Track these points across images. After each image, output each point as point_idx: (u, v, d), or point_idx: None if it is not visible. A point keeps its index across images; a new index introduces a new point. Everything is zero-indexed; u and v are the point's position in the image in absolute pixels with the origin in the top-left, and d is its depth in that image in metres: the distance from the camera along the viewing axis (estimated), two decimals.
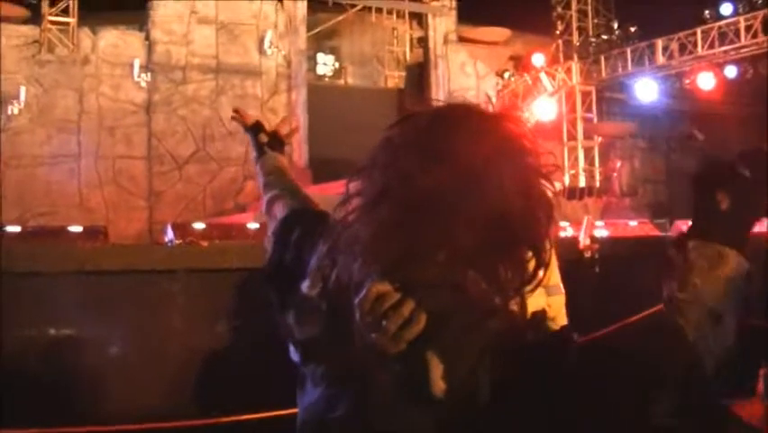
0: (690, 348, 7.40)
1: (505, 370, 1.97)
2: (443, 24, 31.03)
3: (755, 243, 12.00)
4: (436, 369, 1.93)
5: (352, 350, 1.98)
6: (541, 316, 6.34)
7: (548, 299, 6.58)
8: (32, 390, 6.93)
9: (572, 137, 32.86)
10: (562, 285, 6.73)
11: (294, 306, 2.22)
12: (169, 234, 16.08)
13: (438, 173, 1.95)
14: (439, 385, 1.93)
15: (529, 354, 2.08)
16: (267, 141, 3.38)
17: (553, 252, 5.91)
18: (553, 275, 6.72)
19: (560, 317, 6.61)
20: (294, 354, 2.26)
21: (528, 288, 2.02)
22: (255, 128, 3.46)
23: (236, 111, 3.51)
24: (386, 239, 1.96)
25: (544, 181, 2.02)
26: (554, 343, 2.31)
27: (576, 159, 32.82)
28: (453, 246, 1.94)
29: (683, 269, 7.73)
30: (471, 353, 1.98)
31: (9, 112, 23.64)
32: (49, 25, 24.79)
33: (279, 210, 2.77)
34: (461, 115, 2.09)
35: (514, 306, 2.05)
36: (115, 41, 25.62)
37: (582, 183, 32.50)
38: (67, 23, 25.06)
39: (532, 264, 2.05)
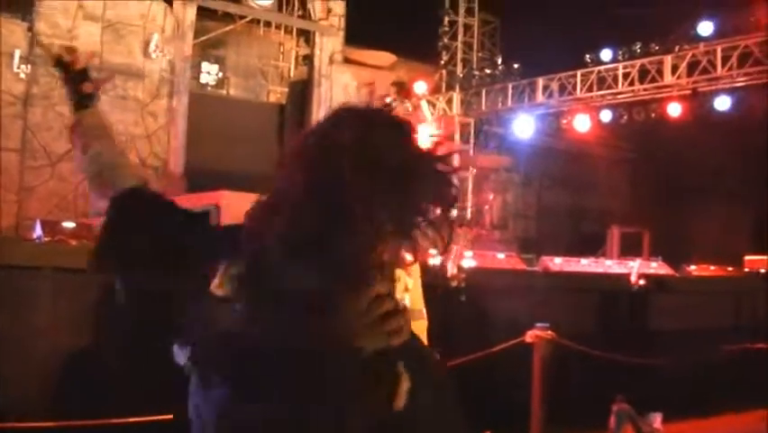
0: None
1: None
2: (329, 44, 31.14)
3: (612, 282, 12.38)
4: (404, 383, 2.03)
5: (283, 348, 1.99)
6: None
7: (412, 323, 6.68)
8: None
9: None
10: (425, 310, 6.85)
11: (197, 305, 2.20)
12: (38, 231, 15.79)
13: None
14: (401, 400, 2.01)
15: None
16: (90, 89, 3.04)
17: (418, 278, 6.05)
18: (417, 300, 6.84)
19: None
20: (181, 355, 2.21)
21: None
22: (68, 67, 3.04)
23: (41, 45, 3.18)
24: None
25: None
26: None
27: None
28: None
29: None
30: (430, 376, 2.14)
31: None
32: None
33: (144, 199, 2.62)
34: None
35: None
36: None
37: (453, 213, 32.83)
38: None
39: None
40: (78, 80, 3.02)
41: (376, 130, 2.23)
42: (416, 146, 2.27)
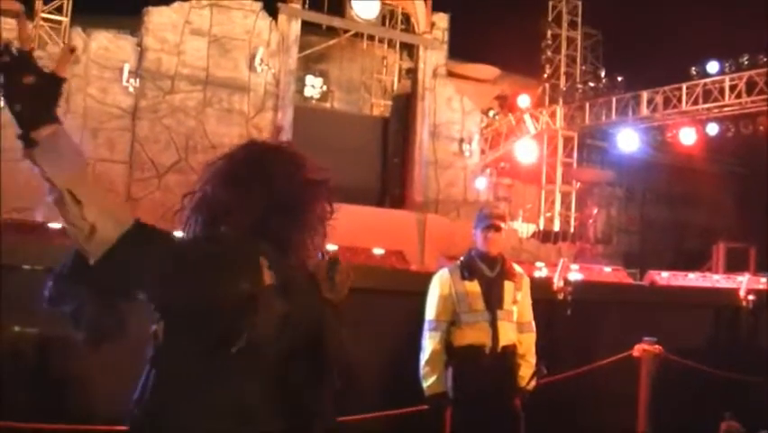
0: None
1: None
2: (433, 57, 31.15)
3: (722, 297, 12.16)
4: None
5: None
6: (511, 350, 6.48)
7: (519, 335, 6.71)
8: None
9: (551, 180, 33.07)
10: (533, 323, 6.84)
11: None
12: None
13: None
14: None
15: None
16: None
17: (528, 292, 6.09)
18: (526, 312, 6.84)
19: (529, 355, 6.74)
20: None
21: None
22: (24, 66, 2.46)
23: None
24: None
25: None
26: None
27: (553, 203, 33.01)
28: None
29: None
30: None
31: None
32: (41, 22, 24.77)
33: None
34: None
35: None
36: (107, 43, 25.60)
37: (557, 227, 32.65)
38: (59, 22, 25.10)
39: None
40: (16, 73, 2.45)
41: (274, 164, 2.99)
42: (305, 177, 2.99)
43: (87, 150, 24.75)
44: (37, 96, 2.45)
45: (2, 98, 2.43)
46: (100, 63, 25.36)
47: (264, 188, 2.89)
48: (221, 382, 2.67)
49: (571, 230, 32.93)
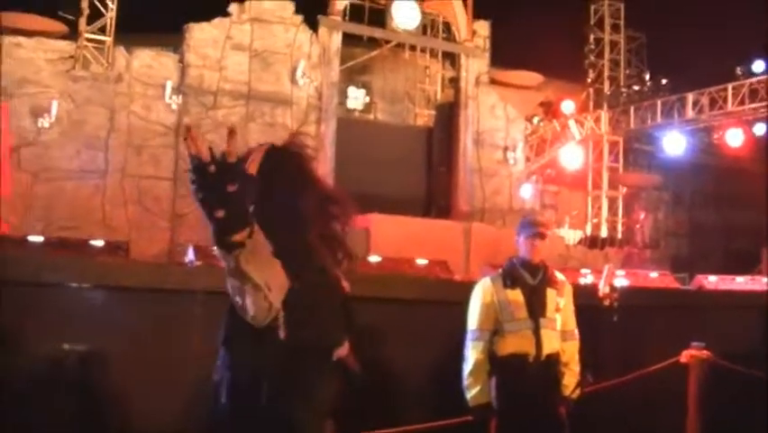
0: None
1: None
2: (475, 65, 31.05)
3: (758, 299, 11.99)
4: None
5: None
6: (554, 359, 6.43)
7: (563, 344, 6.65)
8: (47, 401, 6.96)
9: (597, 186, 32.90)
10: (577, 331, 6.77)
11: None
12: (190, 256, 16.10)
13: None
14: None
15: None
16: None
17: (571, 299, 6.03)
18: (569, 320, 6.78)
19: (573, 363, 6.67)
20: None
21: None
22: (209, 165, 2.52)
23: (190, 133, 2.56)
24: None
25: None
26: None
27: (599, 208, 32.82)
28: None
29: None
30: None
31: (40, 125, 23.79)
32: (85, 42, 24.97)
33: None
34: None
35: None
36: (149, 61, 25.77)
37: (604, 233, 32.45)
38: (103, 42, 25.26)
39: None
40: (221, 183, 2.52)
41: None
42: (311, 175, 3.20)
43: (132, 167, 24.96)
44: (238, 201, 2.52)
45: (201, 205, 2.50)
46: (143, 81, 25.51)
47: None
48: None
49: (619, 235, 32.72)
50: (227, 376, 3.03)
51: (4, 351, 6.73)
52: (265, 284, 2.65)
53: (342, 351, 3.06)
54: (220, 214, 2.48)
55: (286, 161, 3.08)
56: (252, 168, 2.64)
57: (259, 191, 2.69)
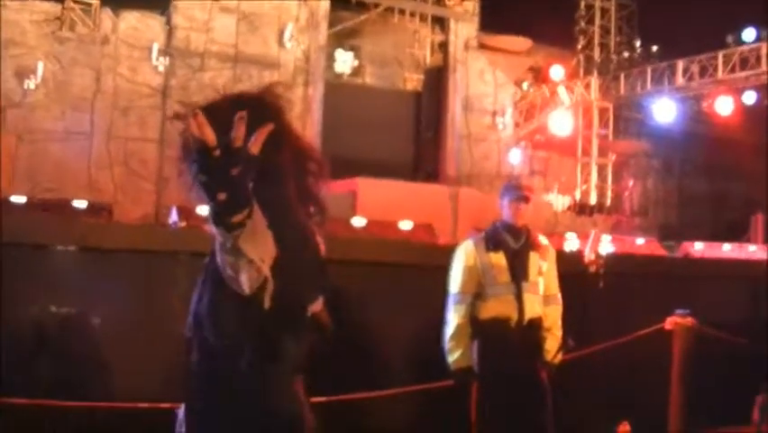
0: None
1: None
2: (464, 30, 30.94)
3: (758, 269, 11.95)
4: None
5: None
6: (537, 323, 6.37)
7: (545, 308, 6.60)
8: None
9: (586, 153, 32.83)
10: (560, 296, 6.72)
11: None
12: (174, 217, 16.04)
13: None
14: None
15: None
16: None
17: (554, 264, 5.94)
18: (552, 284, 6.72)
19: (555, 328, 6.63)
20: None
21: None
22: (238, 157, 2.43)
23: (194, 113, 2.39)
24: None
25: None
26: None
27: (589, 175, 32.79)
28: None
29: None
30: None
31: (26, 87, 23.66)
32: (71, 4, 24.78)
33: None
34: None
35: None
36: (136, 23, 25.65)
37: (593, 200, 32.44)
38: (89, 3, 25.07)
39: None
40: (224, 166, 2.42)
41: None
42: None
43: (118, 129, 24.86)
44: (241, 183, 2.45)
45: (203, 187, 2.42)
46: (129, 43, 25.43)
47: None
48: None
49: (608, 203, 32.72)
50: (199, 336, 2.97)
51: None
52: (259, 258, 2.61)
53: (316, 306, 2.99)
54: (222, 196, 2.42)
55: (264, 114, 2.89)
56: (255, 148, 2.49)
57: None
